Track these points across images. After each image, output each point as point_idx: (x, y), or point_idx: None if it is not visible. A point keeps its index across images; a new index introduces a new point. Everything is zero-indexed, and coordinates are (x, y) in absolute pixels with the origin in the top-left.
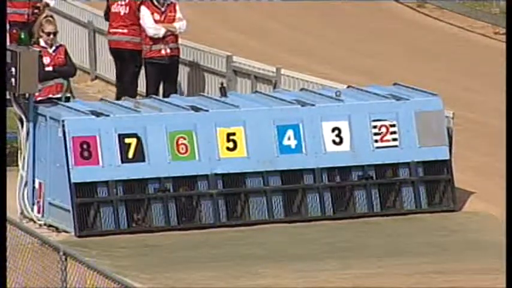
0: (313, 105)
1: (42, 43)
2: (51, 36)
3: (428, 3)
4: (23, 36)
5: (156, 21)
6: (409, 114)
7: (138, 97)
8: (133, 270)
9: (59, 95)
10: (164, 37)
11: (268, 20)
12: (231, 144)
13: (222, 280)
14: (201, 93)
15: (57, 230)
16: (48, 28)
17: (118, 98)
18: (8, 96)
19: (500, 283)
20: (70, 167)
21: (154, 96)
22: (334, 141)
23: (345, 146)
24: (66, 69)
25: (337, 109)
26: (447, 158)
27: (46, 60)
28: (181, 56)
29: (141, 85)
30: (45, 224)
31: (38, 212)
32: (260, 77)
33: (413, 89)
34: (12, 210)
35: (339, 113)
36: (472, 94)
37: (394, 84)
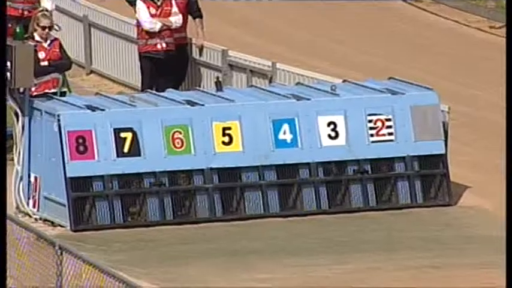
0: (308, 99)
1: (37, 37)
2: (46, 30)
3: None
4: (18, 30)
5: (151, 16)
6: (404, 108)
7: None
8: (129, 265)
9: (54, 90)
10: (160, 31)
11: (268, 19)
12: (226, 139)
13: (218, 274)
14: (197, 88)
15: (52, 224)
16: (44, 22)
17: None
18: None
19: (496, 277)
20: (65, 161)
21: (149, 90)
22: (329, 136)
23: (341, 141)
24: (61, 63)
25: (333, 103)
26: (443, 152)
27: (41, 55)
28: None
29: (137, 79)
30: (40, 219)
31: (34, 206)
32: (256, 71)
33: (408, 83)
34: (8, 205)
35: (335, 107)
36: (468, 88)
37: (390, 78)
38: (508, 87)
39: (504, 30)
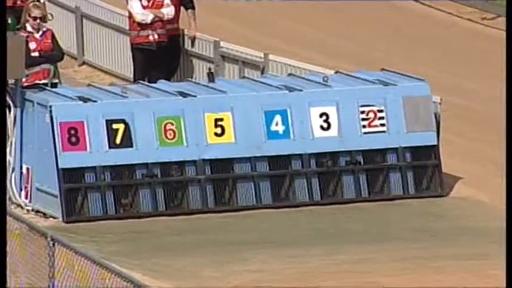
0: (301, 90)
1: (28, 28)
2: (38, 20)
3: None
4: (9, 21)
5: (143, 7)
6: (396, 99)
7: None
8: (121, 256)
9: (45, 81)
10: (152, 23)
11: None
12: (218, 130)
13: (210, 266)
14: (189, 79)
15: (44, 215)
16: (35, 13)
17: None
18: None
19: (488, 267)
20: (58, 152)
21: (141, 82)
22: (322, 127)
23: (333, 132)
24: (52, 54)
25: (325, 94)
26: (435, 143)
27: (32, 45)
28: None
29: (129, 71)
30: (32, 210)
31: (26, 197)
32: (248, 63)
33: (400, 74)
34: None
35: (327, 98)
36: (460, 80)
37: (382, 69)
38: (508, 80)
39: (496, 21)
